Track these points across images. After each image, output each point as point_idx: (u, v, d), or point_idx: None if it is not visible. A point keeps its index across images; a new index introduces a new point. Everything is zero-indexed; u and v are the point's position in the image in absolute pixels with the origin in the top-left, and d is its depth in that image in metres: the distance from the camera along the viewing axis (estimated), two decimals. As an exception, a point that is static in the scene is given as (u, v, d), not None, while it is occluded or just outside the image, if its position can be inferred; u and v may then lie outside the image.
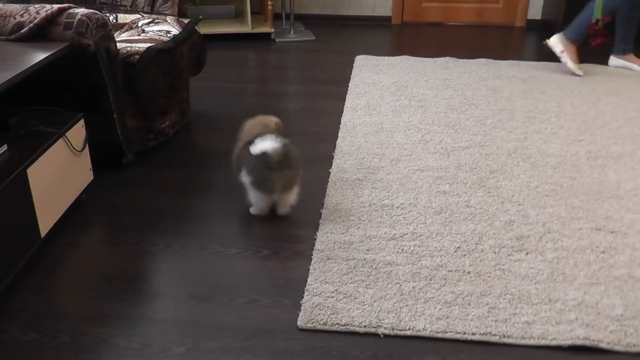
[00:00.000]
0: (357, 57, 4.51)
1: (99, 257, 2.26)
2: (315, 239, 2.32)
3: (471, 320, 1.93)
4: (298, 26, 5.27)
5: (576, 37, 4.26)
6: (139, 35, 3.00)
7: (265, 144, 2.33)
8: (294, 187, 2.45)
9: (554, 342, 1.87)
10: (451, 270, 2.16)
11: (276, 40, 4.97)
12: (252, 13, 4.93)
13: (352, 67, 4.30)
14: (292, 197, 2.47)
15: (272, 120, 2.62)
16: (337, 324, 1.91)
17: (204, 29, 4.10)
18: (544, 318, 1.96)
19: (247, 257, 2.26)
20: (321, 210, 2.50)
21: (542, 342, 1.87)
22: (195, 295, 2.05)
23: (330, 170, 2.84)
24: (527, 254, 2.27)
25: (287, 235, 2.38)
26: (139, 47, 2.79)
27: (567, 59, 4.26)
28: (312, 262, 2.20)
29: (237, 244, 2.33)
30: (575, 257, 2.27)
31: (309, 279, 2.10)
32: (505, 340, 1.87)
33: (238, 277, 2.15)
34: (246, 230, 2.42)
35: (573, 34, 4.25)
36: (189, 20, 3.31)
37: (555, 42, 4.32)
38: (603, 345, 1.87)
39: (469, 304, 2.00)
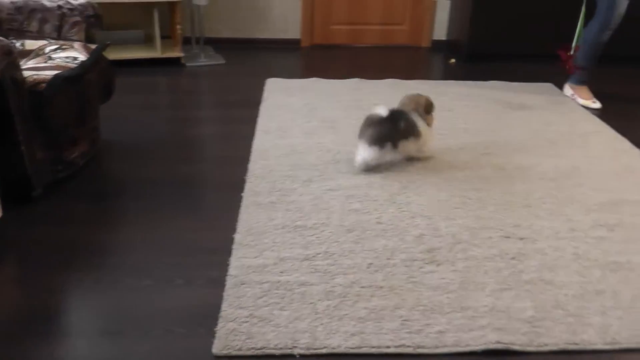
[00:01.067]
0: (268, 80, 4.52)
1: (6, 296, 2.18)
2: (229, 265, 2.30)
3: (385, 333, 1.96)
4: (208, 50, 5.26)
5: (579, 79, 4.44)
6: (45, 62, 2.93)
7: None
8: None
9: (468, 349, 1.92)
10: (364, 287, 2.18)
11: (186, 64, 4.94)
12: (161, 37, 4.89)
13: (263, 90, 4.31)
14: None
15: (423, 97, 3.27)
16: (253, 348, 1.90)
17: (112, 55, 4.03)
18: (457, 326, 2.01)
19: (161, 287, 2.22)
20: (234, 235, 2.49)
21: (456, 350, 1.92)
22: (108, 331, 2.00)
23: (242, 194, 2.83)
24: (438, 265, 2.32)
25: (200, 263, 2.35)
26: (46, 75, 2.72)
27: (577, 99, 4.41)
28: (225, 288, 2.18)
29: (151, 275, 2.28)
30: (485, 265, 2.34)
31: (222, 305, 2.08)
32: (420, 350, 1.91)
33: (152, 309, 2.11)
34: (159, 260, 2.37)
35: (574, 78, 4.44)
36: (96, 46, 3.26)
37: (566, 89, 4.54)
38: (515, 347, 1.94)
39: (383, 318, 2.02)
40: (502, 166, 3.20)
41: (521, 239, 2.53)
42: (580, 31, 4.16)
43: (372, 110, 3.11)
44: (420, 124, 3.16)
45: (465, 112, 3.98)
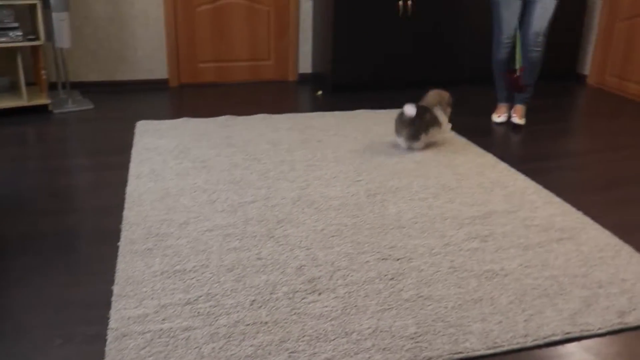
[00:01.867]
0: (138, 122, 4.44)
1: None
2: (109, 318, 2.23)
3: (273, 369, 1.96)
4: (75, 95, 5.11)
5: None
6: None
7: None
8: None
9: (354, 374, 1.95)
10: (249, 324, 2.17)
11: (54, 111, 4.77)
12: (27, 84, 4.71)
13: (134, 133, 4.22)
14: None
15: (446, 94, 4.15)
16: (139, 400, 1.84)
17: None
18: (343, 351, 2.04)
19: (39, 349, 2.11)
20: (112, 287, 2.42)
21: (343, 377, 1.94)
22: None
23: (118, 244, 2.75)
24: (319, 294, 2.34)
25: (79, 319, 2.26)
26: None
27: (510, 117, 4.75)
28: (107, 342, 2.10)
29: (27, 336, 2.17)
30: (365, 288, 2.39)
31: (104, 360, 2.02)
32: (308, 382, 1.92)
33: (28, 372, 2.01)
34: (35, 320, 2.26)
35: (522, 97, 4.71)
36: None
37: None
38: (399, 365, 1.99)
39: (270, 353, 2.02)
40: (373, 191, 3.29)
41: (397, 259, 2.60)
42: (519, 53, 4.49)
43: (403, 108, 3.85)
44: (440, 115, 4.01)
45: (334, 142, 4.06)
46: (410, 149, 3.93)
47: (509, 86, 4.64)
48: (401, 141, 3.94)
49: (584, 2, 5.88)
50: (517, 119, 4.68)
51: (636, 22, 5.50)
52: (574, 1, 5.83)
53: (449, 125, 4.17)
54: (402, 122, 3.87)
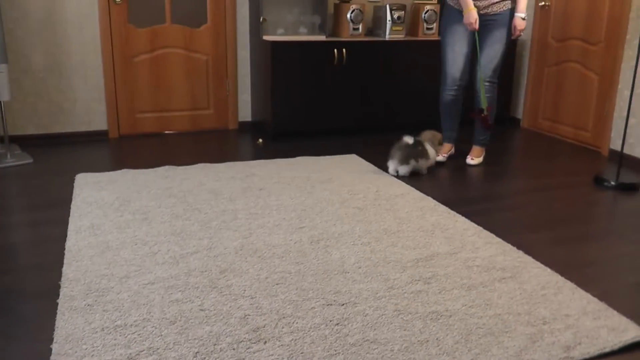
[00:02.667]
0: (77, 175, 4.38)
1: None
2: (47, 377, 2.17)
3: (218, 423, 1.92)
4: (14, 149, 5.01)
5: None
6: None
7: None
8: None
9: None
10: (193, 377, 2.13)
11: (-8, 166, 4.67)
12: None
13: (73, 186, 4.16)
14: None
15: (438, 135, 4.80)
16: None
17: None
18: (289, 403, 2.01)
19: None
20: (51, 346, 2.35)
21: None
22: None
23: (58, 301, 2.68)
24: (265, 342, 2.32)
25: (14, 380, 2.19)
26: None
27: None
28: (45, 402, 2.04)
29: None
30: (311, 334, 2.38)
31: (42, 422, 1.94)
32: None
33: None
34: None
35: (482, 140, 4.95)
36: None
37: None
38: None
39: (215, 407, 1.99)
40: (316, 238, 3.30)
41: (342, 304, 2.61)
42: (484, 93, 4.66)
43: (402, 138, 4.45)
44: (430, 149, 4.57)
45: (276, 189, 4.08)
46: (397, 172, 4.47)
47: (480, 126, 4.85)
48: (392, 164, 4.49)
49: (513, 49, 6.10)
50: (470, 159, 4.90)
51: (563, 67, 5.74)
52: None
53: (435, 159, 4.70)
54: (398, 148, 4.45)
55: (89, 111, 5.48)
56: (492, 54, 4.64)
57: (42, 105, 5.33)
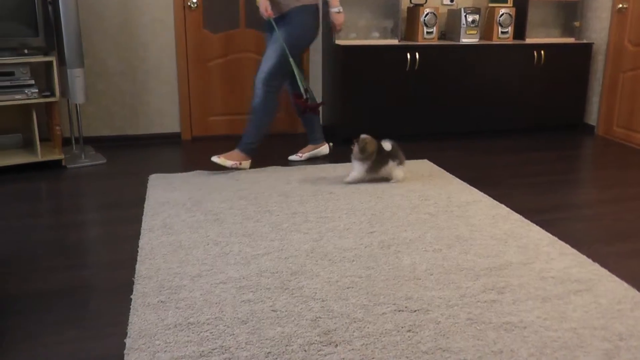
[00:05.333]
0: (150, 176, 4.47)
1: None
2: (121, 371, 2.20)
3: None
4: (89, 150, 5.16)
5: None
6: None
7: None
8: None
9: None
10: (264, 378, 2.13)
11: (68, 166, 4.80)
12: (41, 140, 4.75)
13: (147, 187, 4.25)
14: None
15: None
16: None
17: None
18: (360, 408, 1.99)
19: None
20: (125, 340, 2.39)
21: None
22: None
23: (131, 297, 2.73)
24: (336, 346, 2.30)
25: (90, 373, 2.23)
26: None
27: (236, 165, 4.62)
28: (119, 396, 2.07)
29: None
30: (382, 340, 2.35)
31: (117, 415, 1.97)
32: None
33: None
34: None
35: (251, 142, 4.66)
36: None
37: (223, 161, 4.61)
38: None
39: (286, 409, 1.98)
40: (387, 243, 3.26)
41: (414, 311, 2.57)
42: (300, 77, 4.55)
43: (382, 143, 4.22)
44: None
45: (346, 193, 4.06)
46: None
47: (299, 110, 4.74)
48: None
49: (589, 54, 5.94)
50: (298, 155, 4.97)
51: (639, 73, 5.56)
52: (580, 53, 5.90)
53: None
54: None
55: (162, 114, 5.59)
56: (268, 53, 4.48)
57: (117, 108, 5.46)
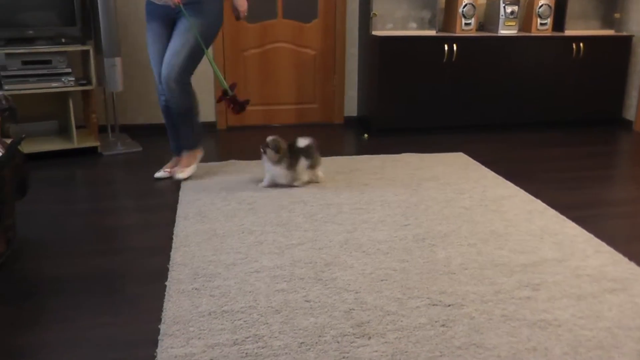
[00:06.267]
0: (185, 165, 4.50)
1: None
2: (156, 356, 2.22)
3: (322, 415, 1.92)
4: (124, 137, 5.21)
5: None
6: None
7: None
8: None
9: None
10: (297, 368, 2.14)
11: (103, 153, 4.86)
12: (77, 127, 4.82)
13: (182, 175, 4.28)
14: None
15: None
16: None
17: (27, 148, 3.89)
18: (393, 401, 1.98)
19: (83, 387, 2.11)
20: (159, 326, 2.41)
21: None
22: None
23: (166, 283, 2.76)
24: (369, 338, 2.30)
25: (126, 358, 2.25)
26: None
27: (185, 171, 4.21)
28: (154, 381, 2.10)
29: (72, 374, 2.18)
30: (416, 334, 2.34)
31: (151, 400, 2.00)
32: None
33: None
34: (82, 358, 2.27)
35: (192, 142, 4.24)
36: (11, 140, 3.16)
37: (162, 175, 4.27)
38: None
39: (319, 399, 1.98)
40: (421, 236, 3.25)
41: (448, 305, 2.55)
42: (219, 73, 4.19)
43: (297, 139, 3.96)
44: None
45: (380, 185, 4.05)
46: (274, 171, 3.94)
47: (232, 111, 4.12)
48: (271, 166, 3.92)
49: (629, 47, 5.83)
50: (180, 172, 4.21)
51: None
52: (619, 45, 5.79)
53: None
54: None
55: (198, 102, 5.61)
56: (175, 45, 3.88)
57: (152, 96, 5.49)
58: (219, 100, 4.16)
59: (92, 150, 4.86)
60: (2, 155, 2.94)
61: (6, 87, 4.45)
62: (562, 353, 2.25)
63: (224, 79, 3.82)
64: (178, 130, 4.17)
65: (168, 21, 3.95)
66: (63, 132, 5.08)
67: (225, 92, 4.06)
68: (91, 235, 3.35)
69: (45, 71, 4.59)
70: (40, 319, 2.53)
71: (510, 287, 2.72)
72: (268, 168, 3.97)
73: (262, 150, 3.89)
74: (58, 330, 2.44)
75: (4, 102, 3.30)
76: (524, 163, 4.72)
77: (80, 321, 2.50)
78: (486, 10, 5.79)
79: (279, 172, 3.95)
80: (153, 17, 3.99)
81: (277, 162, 3.90)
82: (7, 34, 4.51)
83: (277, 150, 3.87)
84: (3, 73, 4.51)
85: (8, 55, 4.49)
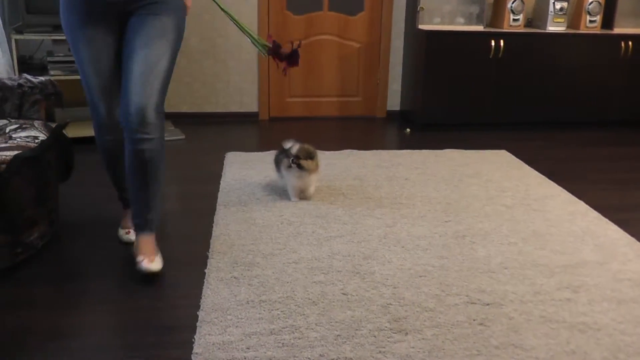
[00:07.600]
0: (227, 153, 4.53)
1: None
2: (194, 342, 2.25)
3: (356, 408, 1.92)
4: (167, 125, 5.26)
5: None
6: (5, 142, 2.88)
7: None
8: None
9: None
10: (332, 359, 2.14)
11: (145, 141, 4.92)
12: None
13: (223, 164, 4.31)
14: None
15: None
16: None
17: (72, 132, 3.94)
18: (428, 398, 1.98)
19: (122, 369, 2.15)
20: (198, 313, 2.44)
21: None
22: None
23: (205, 270, 2.78)
24: (406, 334, 2.30)
25: (164, 342, 2.28)
26: (6, 156, 2.68)
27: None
28: (191, 366, 2.12)
29: (112, 357, 2.21)
30: (453, 331, 2.33)
31: (188, 385, 2.02)
32: None
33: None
34: (121, 341, 2.31)
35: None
36: (56, 124, 3.23)
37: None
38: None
39: (353, 392, 1.99)
40: (462, 233, 3.23)
41: (487, 304, 2.53)
42: (249, 33, 3.08)
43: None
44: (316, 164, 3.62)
45: (421, 180, 4.03)
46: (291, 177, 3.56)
47: (283, 65, 3.04)
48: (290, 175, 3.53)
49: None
50: (147, 263, 2.70)
51: None
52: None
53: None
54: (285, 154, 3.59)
55: (241, 93, 5.65)
56: (149, 62, 2.62)
57: (197, 86, 5.55)
58: (273, 58, 3.06)
59: (136, 137, 4.91)
60: (46, 139, 3.00)
61: (52, 72, 4.53)
62: (601, 358, 2.22)
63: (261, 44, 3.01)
64: (144, 188, 2.77)
65: (114, 22, 2.67)
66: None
67: (266, 46, 3.02)
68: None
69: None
70: (81, 301, 2.58)
71: (550, 288, 2.69)
72: (293, 181, 3.60)
73: (293, 164, 3.50)
74: (98, 313, 2.49)
75: (50, 87, 3.37)
76: (567, 163, 4.65)
77: (120, 304, 2.54)
78: (535, 7, 5.70)
79: (312, 178, 3.61)
80: (87, 16, 2.63)
81: (315, 169, 3.59)
82: (54, 21, 4.58)
83: (311, 156, 3.55)
84: (50, 59, 4.59)
85: (55, 41, 4.58)
